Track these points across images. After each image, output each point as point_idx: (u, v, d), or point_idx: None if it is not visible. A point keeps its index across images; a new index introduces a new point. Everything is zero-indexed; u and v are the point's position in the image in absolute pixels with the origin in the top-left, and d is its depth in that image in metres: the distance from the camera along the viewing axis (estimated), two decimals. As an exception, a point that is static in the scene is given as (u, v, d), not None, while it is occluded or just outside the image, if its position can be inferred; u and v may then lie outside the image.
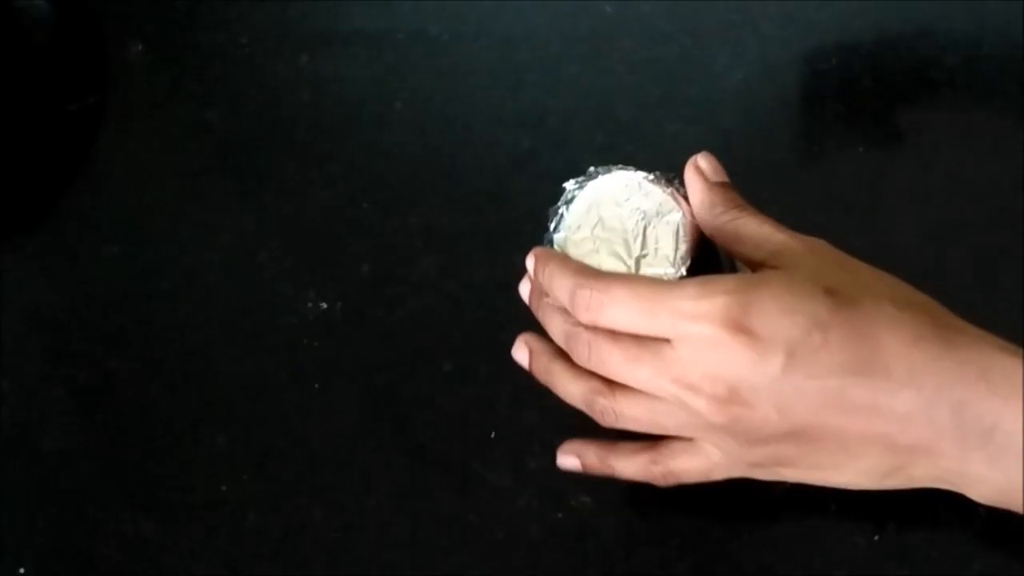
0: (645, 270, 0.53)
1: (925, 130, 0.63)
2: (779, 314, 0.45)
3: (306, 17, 0.71)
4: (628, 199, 0.55)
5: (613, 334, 0.49)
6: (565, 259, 0.53)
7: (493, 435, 0.60)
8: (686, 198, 0.54)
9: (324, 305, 0.64)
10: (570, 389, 0.52)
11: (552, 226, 0.55)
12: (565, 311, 0.51)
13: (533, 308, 0.55)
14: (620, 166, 0.55)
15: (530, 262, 0.54)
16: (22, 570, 0.60)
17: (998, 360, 0.45)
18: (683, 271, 0.53)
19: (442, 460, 0.60)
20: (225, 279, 0.66)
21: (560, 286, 0.51)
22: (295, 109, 0.69)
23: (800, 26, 0.66)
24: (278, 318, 0.64)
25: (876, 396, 0.45)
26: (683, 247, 0.53)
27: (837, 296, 0.45)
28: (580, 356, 0.50)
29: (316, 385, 0.63)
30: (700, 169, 0.53)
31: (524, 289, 0.56)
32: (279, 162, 0.68)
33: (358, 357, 0.63)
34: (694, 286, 0.47)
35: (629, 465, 0.53)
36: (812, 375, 0.45)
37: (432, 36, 0.70)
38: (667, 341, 0.48)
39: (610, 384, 0.51)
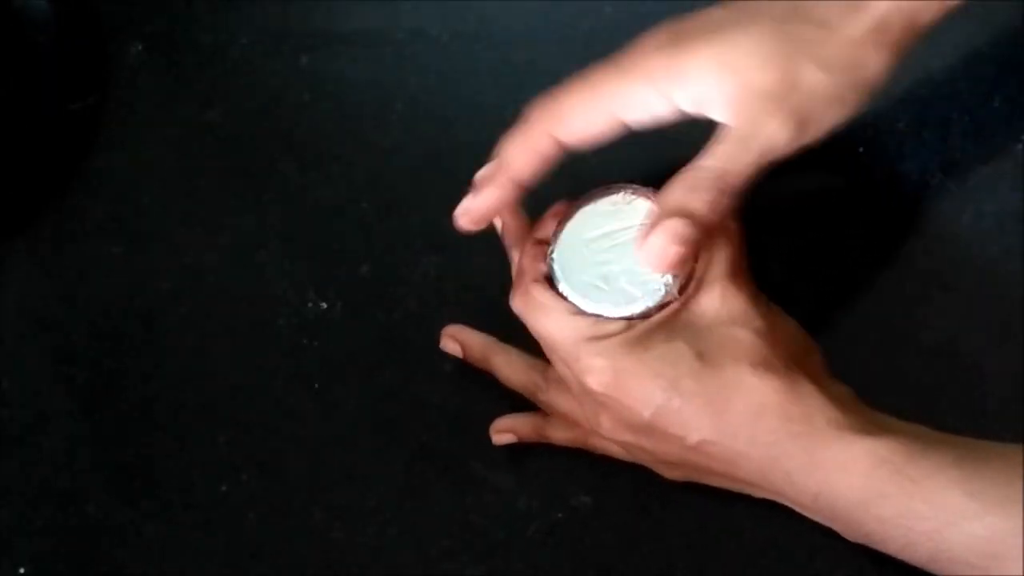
0: (637, 281, 0.53)
1: (924, 130, 0.63)
2: (647, 379, 0.51)
3: (306, 17, 0.71)
4: (620, 214, 0.55)
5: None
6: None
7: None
8: None
9: (324, 305, 0.64)
10: (511, 375, 0.59)
11: (550, 247, 0.55)
12: None
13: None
14: (618, 184, 0.56)
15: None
16: (22, 570, 0.60)
17: (823, 434, 0.50)
18: (669, 278, 0.53)
19: (442, 460, 0.60)
20: (225, 279, 0.66)
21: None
22: (295, 109, 0.69)
23: (800, 26, 0.66)
24: (278, 318, 0.64)
25: (726, 455, 0.52)
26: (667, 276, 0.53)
27: (703, 361, 0.51)
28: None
29: (316, 385, 0.63)
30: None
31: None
32: (279, 162, 0.68)
33: (358, 357, 0.63)
34: (587, 343, 0.52)
35: (562, 433, 0.58)
36: (673, 431, 0.52)
37: (432, 36, 0.70)
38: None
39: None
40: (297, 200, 0.67)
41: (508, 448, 0.59)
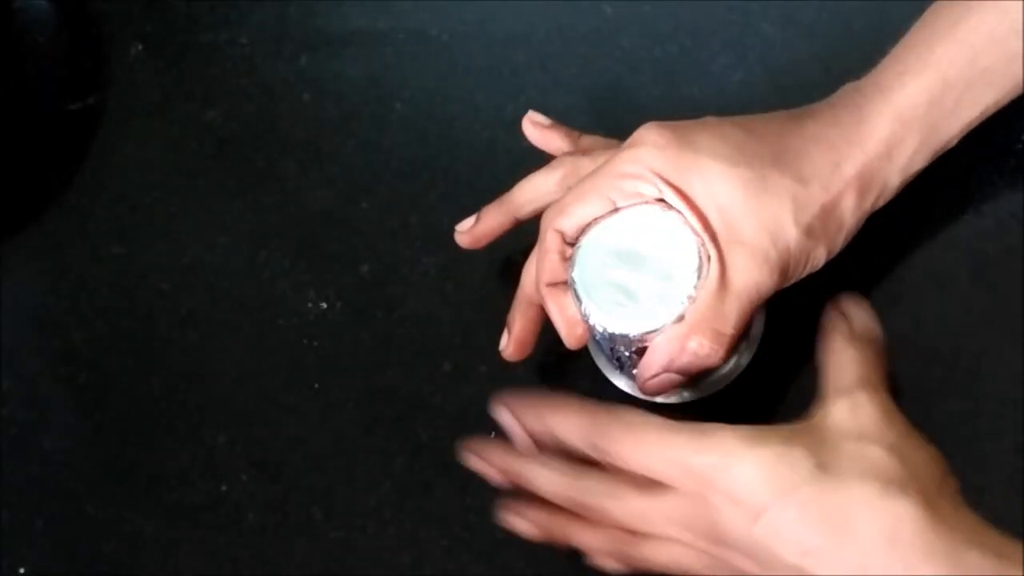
0: (657, 294, 0.53)
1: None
2: (761, 484, 0.47)
3: (306, 17, 0.71)
4: (634, 227, 0.54)
5: (620, 485, 0.51)
6: (566, 406, 0.53)
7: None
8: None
9: (324, 305, 0.64)
10: (593, 542, 0.53)
11: (571, 264, 0.55)
12: (561, 465, 0.52)
13: (516, 476, 0.54)
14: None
15: (511, 419, 0.55)
16: (22, 570, 0.60)
17: (965, 555, 0.45)
18: (691, 292, 0.53)
19: (442, 460, 0.60)
20: (225, 279, 0.66)
21: (571, 433, 0.52)
22: (295, 109, 0.69)
23: (800, 26, 0.66)
24: (278, 318, 0.64)
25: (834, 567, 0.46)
26: (690, 283, 0.53)
27: (826, 474, 0.47)
28: (592, 509, 0.52)
29: (316, 385, 0.63)
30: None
31: (490, 466, 0.55)
32: (279, 162, 0.68)
33: (358, 357, 0.63)
34: (690, 439, 0.49)
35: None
36: (783, 545, 0.47)
37: (432, 36, 0.70)
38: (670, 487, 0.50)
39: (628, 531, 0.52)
40: (297, 200, 0.67)
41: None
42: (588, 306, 0.54)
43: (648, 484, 0.50)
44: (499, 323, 0.60)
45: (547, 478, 0.53)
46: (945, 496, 0.47)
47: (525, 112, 0.64)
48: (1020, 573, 0.44)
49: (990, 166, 0.62)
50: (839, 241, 0.55)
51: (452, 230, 0.64)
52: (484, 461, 0.55)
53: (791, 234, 0.52)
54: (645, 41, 0.68)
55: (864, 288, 0.60)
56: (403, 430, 0.61)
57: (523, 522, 0.54)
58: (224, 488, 0.61)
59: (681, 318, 0.53)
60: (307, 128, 0.69)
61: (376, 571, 0.59)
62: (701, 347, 0.52)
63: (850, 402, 0.50)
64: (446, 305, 0.63)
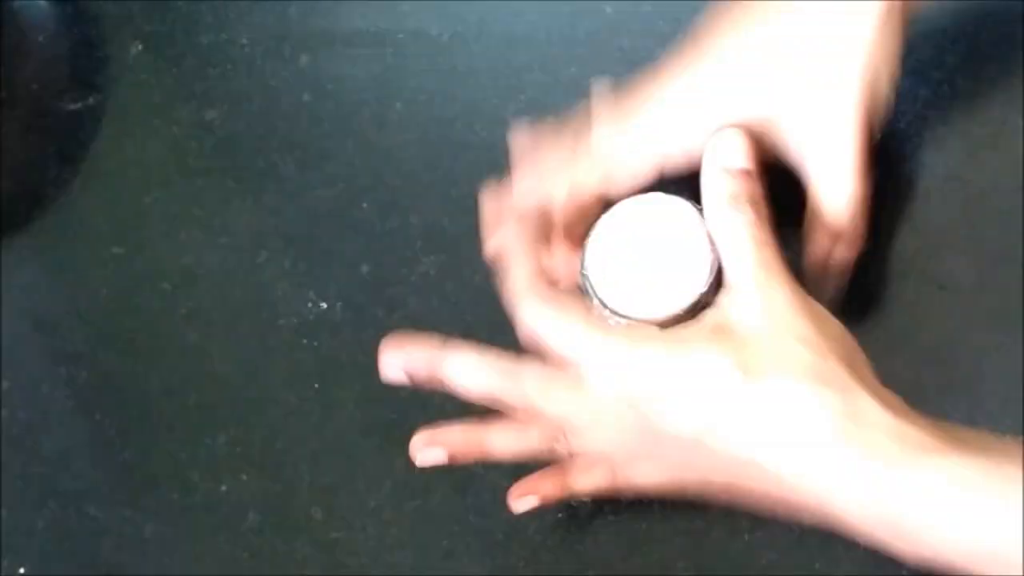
0: (672, 280, 0.53)
1: (925, 130, 0.63)
2: (689, 394, 0.49)
3: (306, 17, 0.71)
4: (652, 221, 0.54)
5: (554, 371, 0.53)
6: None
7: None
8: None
9: (324, 305, 0.64)
10: (514, 442, 0.54)
11: (581, 259, 0.55)
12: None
13: (440, 365, 0.55)
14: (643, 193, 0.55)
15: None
16: (22, 570, 0.60)
17: (886, 456, 0.47)
18: (705, 278, 0.52)
19: (442, 460, 0.60)
20: (225, 279, 0.66)
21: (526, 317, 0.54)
22: (295, 109, 0.69)
23: (800, 26, 0.66)
24: (278, 318, 0.64)
25: (773, 477, 0.49)
26: (705, 269, 0.53)
27: (748, 374, 0.48)
28: (527, 395, 0.53)
29: (316, 385, 0.63)
30: (717, 150, 0.53)
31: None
32: (279, 162, 0.68)
33: (358, 357, 0.63)
34: (623, 346, 0.50)
35: (587, 479, 0.54)
36: (720, 445, 0.49)
37: (432, 36, 0.70)
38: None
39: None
40: (297, 200, 0.67)
41: (508, 448, 0.59)
42: (603, 294, 0.53)
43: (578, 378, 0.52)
44: (499, 323, 0.60)
45: (477, 362, 0.54)
46: (857, 373, 0.49)
47: (525, 112, 0.64)
48: (906, 410, 0.48)
49: (990, 166, 0.62)
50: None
51: (452, 230, 0.64)
52: (405, 354, 0.55)
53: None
54: (645, 41, 0.68)
55: (864, 288, 0.60)
56: (403, 430, 0.61)
57: (434, 449, 0.55)
58: (224, 488, 0.61)
59: (696, 305, 0.52)
60: (307, 128, 0.69)
61: (376, 571, 0.59)
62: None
63: (759, 296, 0.50)
64: (446, 305, 0.63)
